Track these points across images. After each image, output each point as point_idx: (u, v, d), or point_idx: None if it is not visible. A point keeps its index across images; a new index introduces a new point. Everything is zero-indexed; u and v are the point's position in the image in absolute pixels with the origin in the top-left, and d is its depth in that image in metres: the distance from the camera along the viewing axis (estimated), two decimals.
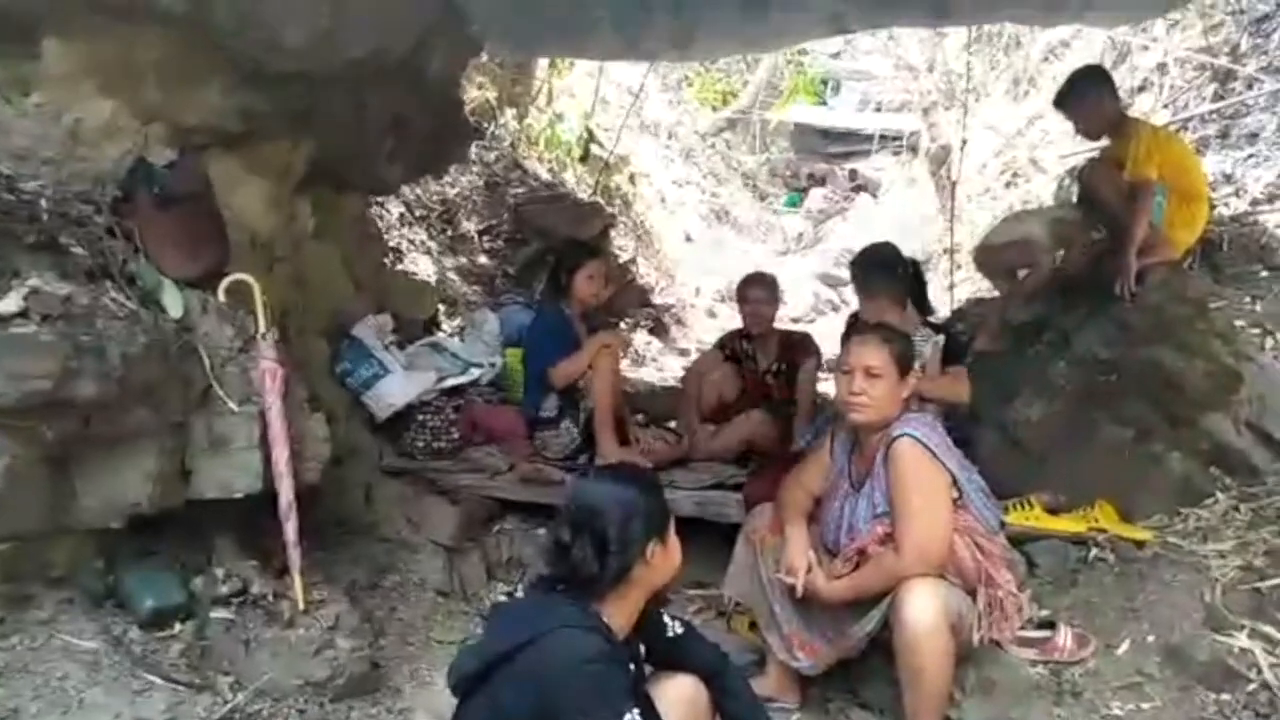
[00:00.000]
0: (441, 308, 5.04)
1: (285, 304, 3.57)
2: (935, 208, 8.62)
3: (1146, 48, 6.62)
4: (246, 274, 2.96)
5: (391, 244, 5.06)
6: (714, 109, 14.19)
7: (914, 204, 10.02)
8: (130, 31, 2.85)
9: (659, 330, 7.00)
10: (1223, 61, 5.97)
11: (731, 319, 8.29)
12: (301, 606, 2.83)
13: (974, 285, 6.82)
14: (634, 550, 2.00)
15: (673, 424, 4.78)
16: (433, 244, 5.41)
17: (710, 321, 8.07)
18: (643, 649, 2.17)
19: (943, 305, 6.42)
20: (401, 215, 5.31)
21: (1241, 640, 2.75)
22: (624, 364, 5.87)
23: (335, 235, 4.21)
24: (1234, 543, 3.14)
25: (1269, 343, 4.01)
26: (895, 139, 12.14)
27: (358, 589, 3.33)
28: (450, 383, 4.14)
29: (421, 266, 5.10)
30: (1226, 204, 4.92)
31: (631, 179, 8.10)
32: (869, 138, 12.89)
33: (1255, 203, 4.87)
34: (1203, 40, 6.25)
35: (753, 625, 3.19)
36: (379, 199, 5.08)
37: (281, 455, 2.81)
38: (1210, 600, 2.92)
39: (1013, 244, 4.32)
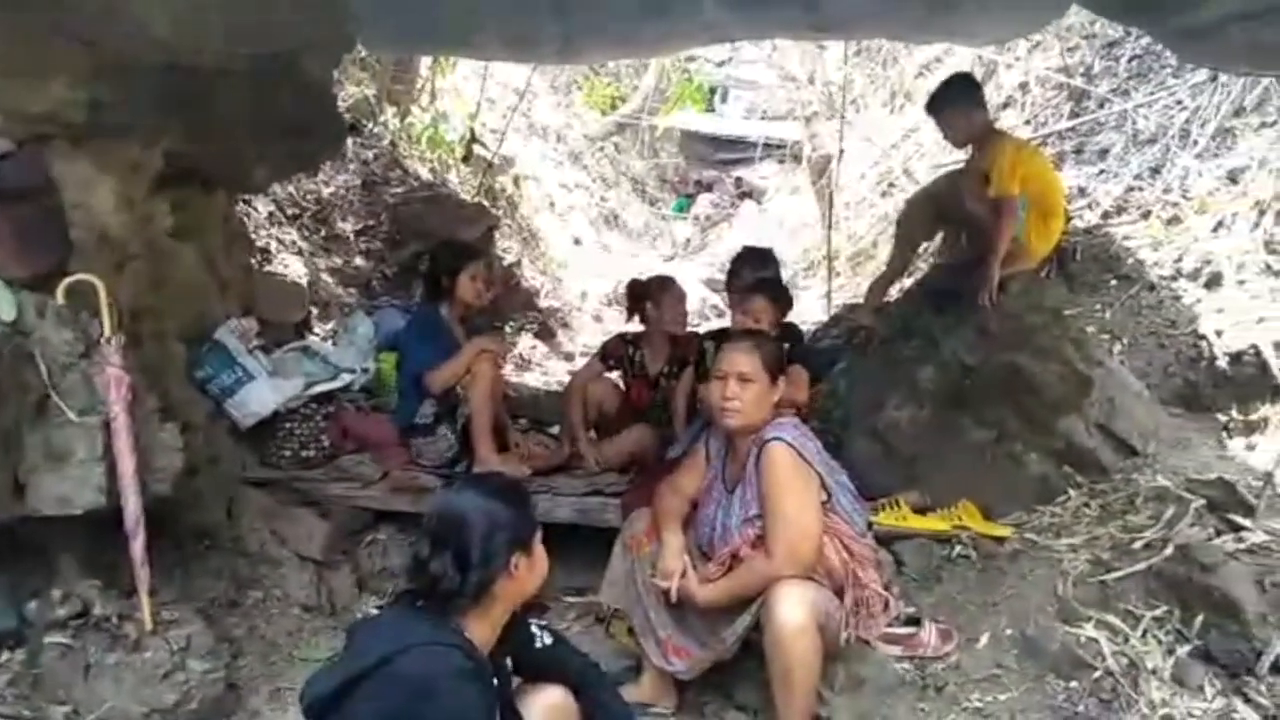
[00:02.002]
0: (314, 310, 4.84)
1: (139, 306, 3.37)
2: (816, 215, 8.84)
3: (1010, 66, 6.96)
4: (91, 275, 2.77)
5: (260, 244, 4.83)
6: (603, 113, 14.22)
7: (797, 211, 10.27)
8: None
9: (544, 334, 6.93)
10: (1078, 82, 6.33)
11: (618, 322, 8.32)
12: (149, 628, 2.68)
13: (851, 292, 7.02)
14: (497, 563, 1.95)
15: (555, 429, 4.74)
16: (305, 244, 5.19)
17: (597, 325, 8.05)
18: (510, 662, 2.12)
19: (820, 311, 6.60)
20: (271, 214, 5.08)
21: (1089, 630, 2.88)
22: (508, 368, 5.80)
23: (198, 234, 4.00)
24: (1084, 537, 3.29)
25: (1116, 347, 4.26)
26: (779, 147, 12.42)
27: (216, 607, 3.17)
28: (320, 389, 3.98)
29: (292, 267, 4.88)
30: (1080, 216, 5.21)
31: (516, 181, 8.00)
32: (754, 145, 13.14)
33: (1106, 215, 5.17)
34: (1061, 61, 6.62)
35: (631, 631, 3.19)
36: (247, 197, 4.85)
37: (127, 468, 2.65)
38: (1062, 593, 3.06)
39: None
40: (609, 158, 13.69)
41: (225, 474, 3.66)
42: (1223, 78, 5.05)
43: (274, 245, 4.91)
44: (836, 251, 7.63)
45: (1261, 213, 4.35)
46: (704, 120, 14.53)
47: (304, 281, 4.85)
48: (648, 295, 4.43)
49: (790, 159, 11.89)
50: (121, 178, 3.28)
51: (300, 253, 5.08)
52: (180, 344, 3.77)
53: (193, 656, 2.69)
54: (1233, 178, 4.70)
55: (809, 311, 6.77)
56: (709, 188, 13.91)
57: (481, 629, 1.97)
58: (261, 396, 3.81)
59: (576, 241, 10.32)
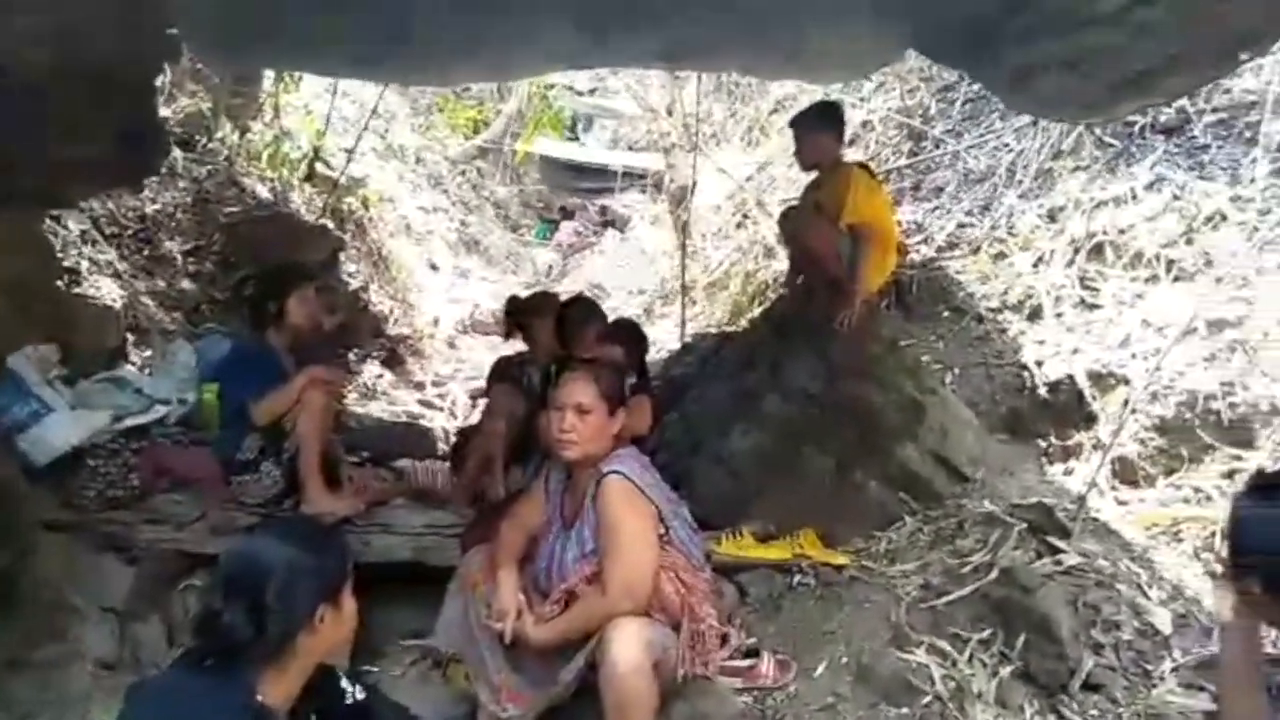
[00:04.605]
0: (130, 337, 4.47)
1: None
2: (675, 244, 8.94)
3: (855, 106, 7.24)
4: None
5: (69, 264, 4.43)
6: (466, 137, 14.01)
7: (657, 240, 10.37)
8: None
9: (392, 362, 6.67)
10: (916, 123, 6.65)
11: (473, 350, 8.15)
12: None
13: (706, 320, 7.11)
14: (299, 615, 1.79)
15: (397, 463, 4.53)
16: (123, 265, 4.80)
17: (450, 353, 7.84)
18: None
19: (674, 340, 6.65)
20: (85, 233, 4.67)
21: (920, 655, 2.95)
22: (350, 398, 5.54)
23: None
24: (917, 563, 3.38)
25: (949, 377, 4.44)
26: (641, 177, 12.55)
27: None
28: (130, 422, 3.66)
29: (105, 290, 4.50)
30: (917, 250, 5.43)
31: (366, 203, 7.72)
32: (616, 174, 13.25)
33: (940, 249, 5.41)
34: (901, 102, 6.94)
35: (470, 675, 3.04)
36: (55, 214, 4.45)
37: None
38: (895, 619, 3.12)
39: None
40: (470, 182, 13.47)
41: (15, 517, 3.30)
42: (1043, 123, 5.39)
43: (85, 265, 4.51)
44: (693, 281, 7.73)
45: (1076, 250, 4.64)
46: (567, 148, 14.54)
47: (118, 305, 4.47)
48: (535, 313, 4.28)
49: (652, 189, 12.02)
50: None
51: (117, 274, 4.68)
52: None
53: None
54: (1052, 216, 5.01)
55: (664, 339, 6.80)
56: (571, 215, 13.90)
57: (279, 688, 1.79)
58: (61, 431, 3.46)
59: (433, 266, 10.07)
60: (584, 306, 4.27)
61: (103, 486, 3.56)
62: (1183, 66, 2.98)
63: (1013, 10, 3.03)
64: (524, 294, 4.72)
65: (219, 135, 6.14)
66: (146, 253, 5.03)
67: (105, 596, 3.29)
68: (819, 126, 4.29)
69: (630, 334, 4.09)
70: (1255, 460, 3.45)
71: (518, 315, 4.41)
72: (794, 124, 4.44)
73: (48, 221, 4.43)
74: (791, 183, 7.26)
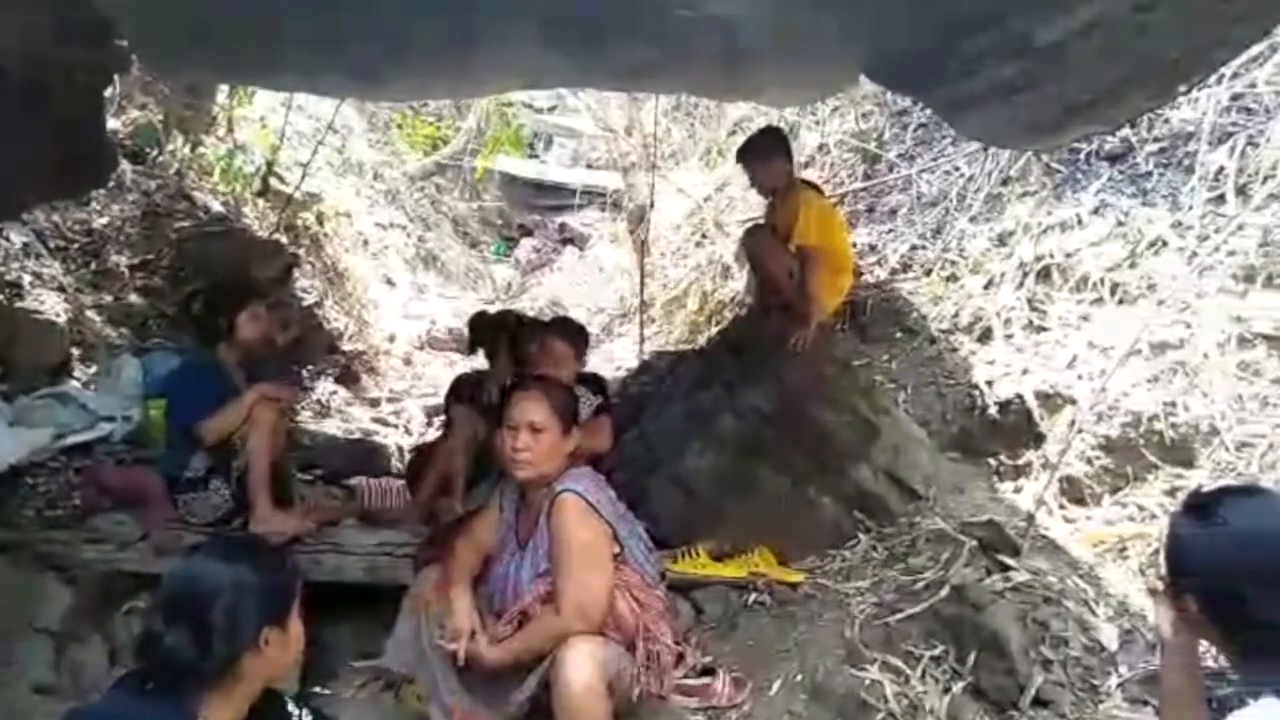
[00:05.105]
0: (75, 352, 4.36)
1: None
2: (633, 263, 8.97)
3: (811, 129, 7.35)
4: None
5: (11, 278, 4.31)
6: (425, 154, 13.93)
7: (616, 258, 10.41)
8: None
9: (347, 378, 6.58)
10: (870, 147, 6.75)
11: (429, 367, 8.08)
12: None
13: (664, 339, 7.13)
14: (244, 638, 1.75)
15: (350, 481, 4.47)
16: (68, 279, 4.68)
17: (406, 369, 7.77)
18: None
19: (632, 357, 6.65)
20: (27, 245, 4.56)
21: (873, 673, 2.97)
22: (304, 415, 5.46)
23: None
24: (870, 581, 3.41)
25: (901, 396, 4.50)
26: (600, 195, 12.59)
27: None
28: (73, 440, 3.56)
29: (49, 304, 4.38)
30: (871, 272, 5.51)
31: (320, 218, 7.62)
32: (575, 192, 13.28)
33: (894, 271, 5.49)
34: (856, 126, 7.05)
35: (422, 696, 3.00)
36: None
37: None
38: (849, 636, 3.14)
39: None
40: (429, 198, 13.40)
41: None
42: (992, 149, 5.51)
43: (27, 280, 4.39)
44: (651, 299, 7.75)
45: (1025, 273, 4.74)
46: (527, 165, 14.55)
47: (63, 320, 4.36)
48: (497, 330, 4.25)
49: (611, 207, 12.07)
50: None
51: (61, 289, 4.57)
52: None
53: None
54: (1001, 240, 5.12)
55: (622, 357, 6.80)
56: (530, 232, 13.90)
57: (223, 712, 1.75)
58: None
59: (389, 282, 9.98)
60: (535, 326, 4.28)
61: (42, 505, 3.48)
62: (1123, 96, 3.07)
63: (959, 39, 3.11)
64: (489, 311, 4.70)
65: (170, 148, 6.03)
66: (93, 266, 4.92)
67: (43, 618, 3.19)
68: (770, 152, 4.36)
69: (572, 331, 4.07)
70: (1196, 479, 3.54)
71: (479, 331, 4.41)
72: (743, 154, 4.50)
73: None
74: (749, 204, 7.34)
